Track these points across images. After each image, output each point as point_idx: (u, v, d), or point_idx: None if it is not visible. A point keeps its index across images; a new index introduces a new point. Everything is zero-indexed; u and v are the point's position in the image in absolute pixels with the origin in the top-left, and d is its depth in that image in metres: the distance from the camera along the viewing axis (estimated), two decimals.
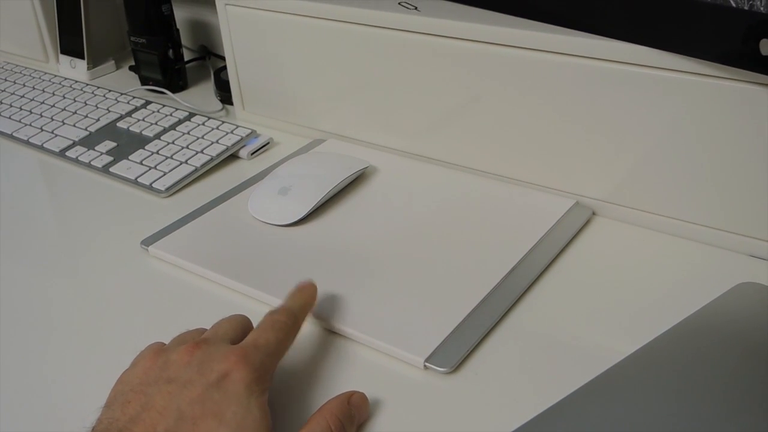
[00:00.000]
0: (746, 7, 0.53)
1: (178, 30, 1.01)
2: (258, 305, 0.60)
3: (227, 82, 0.92)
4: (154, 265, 0.67)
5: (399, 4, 0.75)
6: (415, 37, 0.72)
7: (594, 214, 0.69)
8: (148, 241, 0.68)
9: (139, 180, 0.78)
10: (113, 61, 1.13)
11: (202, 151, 0.82)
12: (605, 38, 0.62)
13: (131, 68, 1.06)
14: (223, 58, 1.06)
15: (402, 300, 0.59)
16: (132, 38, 1.01)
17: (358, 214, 0.70)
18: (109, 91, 1.00)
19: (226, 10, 0.85)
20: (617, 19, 0.61)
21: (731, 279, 0.59)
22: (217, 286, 0.63)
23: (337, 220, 0.70)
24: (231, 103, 0.94)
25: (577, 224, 0.67)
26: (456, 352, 0.54)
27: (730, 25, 0.54)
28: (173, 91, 1.01)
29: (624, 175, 0.66)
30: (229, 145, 0.83)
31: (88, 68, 1.09)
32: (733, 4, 0.53)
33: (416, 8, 0.73)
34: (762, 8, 0.52)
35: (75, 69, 1.10)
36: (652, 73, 0.60)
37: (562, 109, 0.66)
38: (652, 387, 0.48)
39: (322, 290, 0.60)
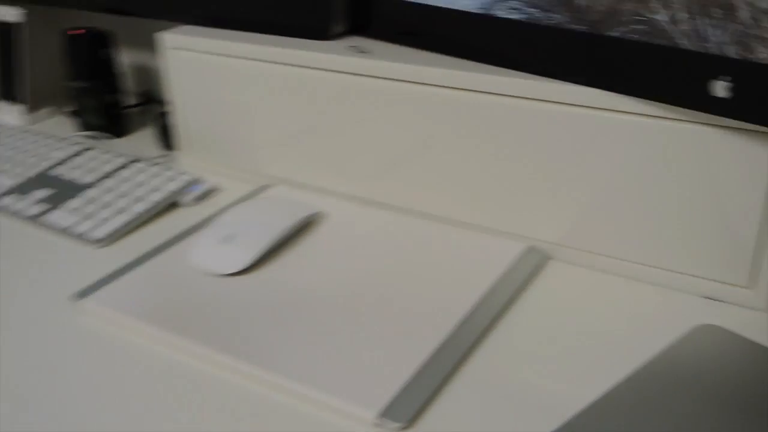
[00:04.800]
0: (698, 50, 0.53)
1: (120, 74, 0.98)
2: (202, 364, 0.57)
3: (171, 128, 0.89)
4: (87, 320, 0.63)
5: (350, 47, 0.73)
6: (366, 80, 0.70)
7: (548, 257, 0.68)
8: (81, 294, 0.64)
9: (74, 229, 0.75)
10: (53, 107, 1.09)
11: (142, 198, 0.79)
12: (558, 82, 0.61)
13: (72, 113, 1.03)
14: (167, 103, 1.04)
15: (351, 352, 0.56)
16: (73, 83, 0.98)
17: (306, 262, 0.68)
18: (49, 136, 0.96)
19: (171, 55, 0.83)
20: (572, 63, 0.60)
21: (686, 321, 0.58)
22: (157, 343, 0.59)
23: (284, 269, 0.67)
24: (175, 149, 0.91)
25: (530, 268, 0.66)
26: (410, 405, 0.51)
27: (683, 66, 0.54)
28: (115, 137, 0.97)
29: (577, 218, 0.65)
30: (172, 191, 0.80)
31: (27, 113, 1.05)
32: (688, 46, 0.53)
33: (367, 52, 0.72)
34: (713, 50, 0.52)
35: (13, 114, 1.06)
36: (606, 116, 0.60)
37: (515, 152, 0.65)
38: None
39: (266, 342, 0.57)
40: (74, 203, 0.79)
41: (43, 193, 0.82)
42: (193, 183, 0.82)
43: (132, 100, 1.07)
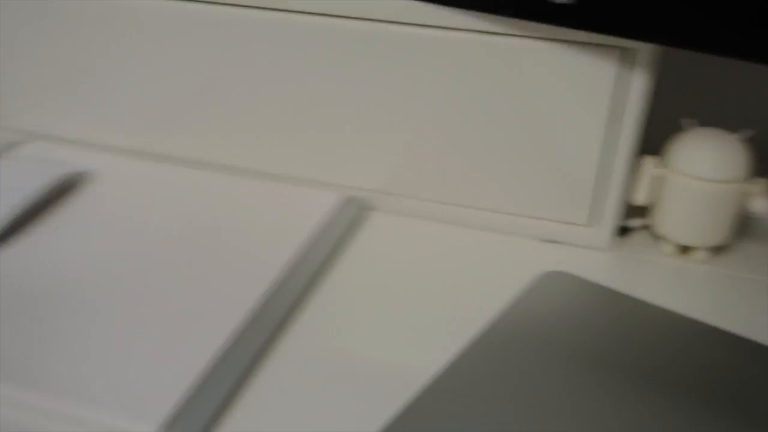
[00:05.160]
0: None
1: None
2: None
3: None
4: None
5: None
6: (136, 2, 0.56)
7: (368, 208, 0.58)
8: None
9: None
10: None
11: None
12: None
13: None
14: None
15: (126, 350, 0.43)
16: None
17: (66, 236, 0.53)
18: None
19: None
20: None
21: (527, 268, 0.51)
22: None
23: (35, 247, 0.52)
24: None
25: (348, 222, 0.56)
26: (203, 410, 0.39)
27: None
28: None
29: (397, 161, 0.56)
30: None
31: None
32: None
33: None
34: None
35: None
36: (424, 34, 0.50)
37: (321, 85, 0.54)
38: (473, 410, 0.37)
39: (9, 347, 0.42)
40: None
41: None
42: None
43: None
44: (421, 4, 0.49)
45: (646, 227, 0.55)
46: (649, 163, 0.52)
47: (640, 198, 0.52)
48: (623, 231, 0.55)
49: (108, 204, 0.57)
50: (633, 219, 0.55)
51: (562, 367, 0.41)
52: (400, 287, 0.50)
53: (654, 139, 0.53)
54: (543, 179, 0.53)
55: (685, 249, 0.53)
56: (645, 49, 0.47)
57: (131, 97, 0.61)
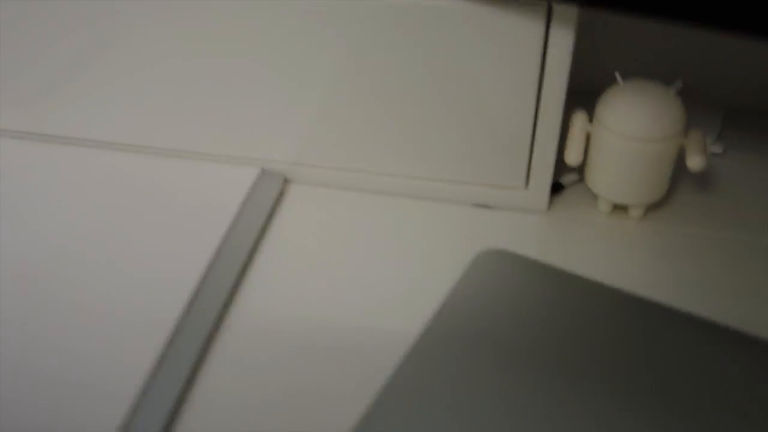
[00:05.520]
0: None
1: None
2: None
3: None
4: None
5: None
6: None
7: (287, 180, 0.54)
8: None
9: None
10: None
11: None
12: None
13: None
14: None
15: (56, 362, 0.39)
16: None
17: None
18: None
19: None
20: None
21: (460, 235, 0.50)
22: None
23: None
24: None
25: (272, 196, 0.52)
26: (155, 414, 0.36)
27: None
28: None
29: (317, 128, 0.52)
30: None
31: None
32: None
33: None
34: None
35: None
36: None
37: (221, 49, 0.49)
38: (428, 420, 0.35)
39: None
40: None
41: None
42: None
43: None
44: None
45: (581, 182, 0.53)
46: (580, 121, 0.49)
47: (572, 158, 0.50)
48: (558, 188, 0.53)
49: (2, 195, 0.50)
50: (567, 175, 0.53)
51: (513, 369, 0.39)
52: (336, 263, 0.48)
53: (586, 94, 0.51)
54: (474, 143, 0.50)
55: (621, 206, 0.51)
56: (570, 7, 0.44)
57: (6, 67, 0.53)
